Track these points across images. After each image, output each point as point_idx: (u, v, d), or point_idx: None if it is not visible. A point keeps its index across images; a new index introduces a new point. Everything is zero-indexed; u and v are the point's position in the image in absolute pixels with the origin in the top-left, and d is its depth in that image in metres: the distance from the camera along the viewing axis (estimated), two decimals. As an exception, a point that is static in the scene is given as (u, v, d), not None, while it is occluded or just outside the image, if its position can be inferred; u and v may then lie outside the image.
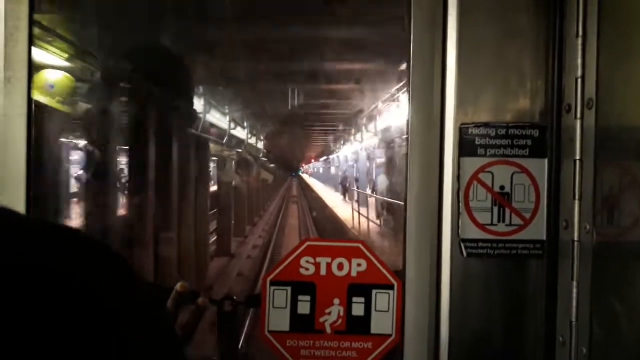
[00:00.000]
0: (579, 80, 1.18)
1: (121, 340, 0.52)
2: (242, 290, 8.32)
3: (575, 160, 1.19)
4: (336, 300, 1.30)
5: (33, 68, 1.39)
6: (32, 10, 1.34)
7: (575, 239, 1.20)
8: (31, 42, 1.36)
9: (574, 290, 1.20)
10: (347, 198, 19.40)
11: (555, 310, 1.26)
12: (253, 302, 1.88)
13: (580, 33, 1.17)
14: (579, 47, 1.18)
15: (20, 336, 0.47)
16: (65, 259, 0.54)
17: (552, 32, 1.25)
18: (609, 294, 1.17)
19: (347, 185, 19.63)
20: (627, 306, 1.16)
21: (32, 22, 1.36)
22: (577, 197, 1.20)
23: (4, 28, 1.32)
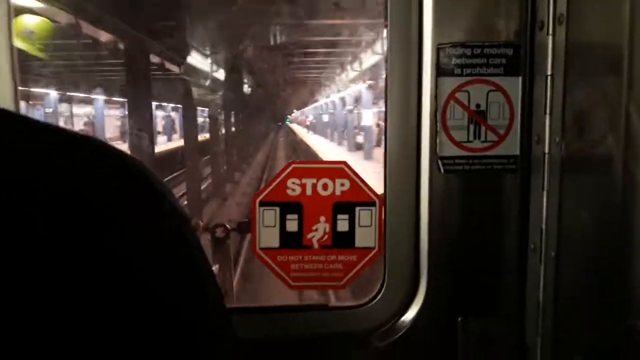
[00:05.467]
0: None
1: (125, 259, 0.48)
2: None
3: (546, 77, 1.25)
4: (322, 218, 1.38)
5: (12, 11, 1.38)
6: None
7: (546, 151, 1.27)
8: None
9: (544, 199, 1.28)
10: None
11: (528, 219, 1.34)
12: (245, 228, 1.97)
13: (553, -51, 1.20)
14: (552, -36, 1.20)
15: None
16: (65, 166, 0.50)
17: None
18: (576, 202, 1.25)
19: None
20: (594, 213, 1.24)
21: None
22: (548, 112, 1.26)
23: None
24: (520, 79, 1.31)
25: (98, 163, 0.53)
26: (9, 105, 1.33)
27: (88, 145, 0.54)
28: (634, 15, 1.11)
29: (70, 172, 0.50)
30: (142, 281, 0.49)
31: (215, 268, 1.99)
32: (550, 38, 1.22)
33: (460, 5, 1.29)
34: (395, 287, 1.39)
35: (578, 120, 1.25)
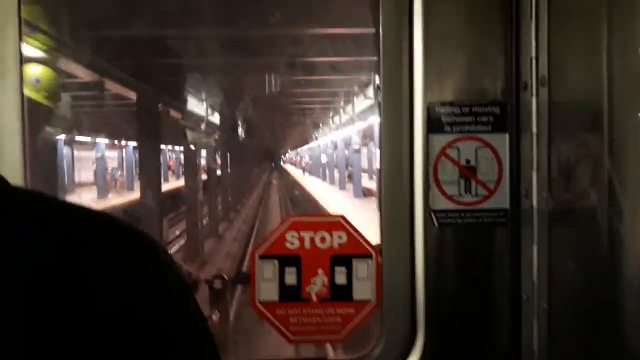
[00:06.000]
0: (534, 60, 1.29)
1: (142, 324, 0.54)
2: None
3: (532, 134, 1.31)
4: (320, 271, 1.41)
5: (23, 63, 1.46)
6: (20, 4, 1.40)
7: (534, 206, 1.32)
8: (21, 37, 1.42)
9: (535, 252, 1.32)
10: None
11: (519, 271, 1.38)
12: (241, 280, 2.00)
13: (534, 15, 1.28)
14: (533, 29, 1.28)
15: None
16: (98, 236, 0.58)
17: (509, 15, 1.35)
18: (564, 254, 1.30)
19: None
20: (581, 265, 1.28)
21: (20, 16, 1.42)
22: (535, 167, 1.31)
23: None
24: (507, 135, 1.37)
25: (105, 236, 0.60)
26: (17, 149, 1.38)
27: (98, 220, 0.62)
28: (611, 76, 1.19)
29: (79, 244, 0.57)
30: (142, 343, 0.55)
31: (215, 316, 2.01)
32: (534, 99, 1.29)
33: (449, 67, 1.37)
34: (393, 340, 1.41)
35: (563, 175, 1.31)
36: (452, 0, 1.37)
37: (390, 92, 1.39)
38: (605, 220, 1.22)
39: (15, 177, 1.39)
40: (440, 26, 1.36)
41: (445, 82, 1.37)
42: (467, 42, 1.36)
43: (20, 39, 1.42)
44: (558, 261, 1.29)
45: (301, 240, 1.42)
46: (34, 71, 3.76)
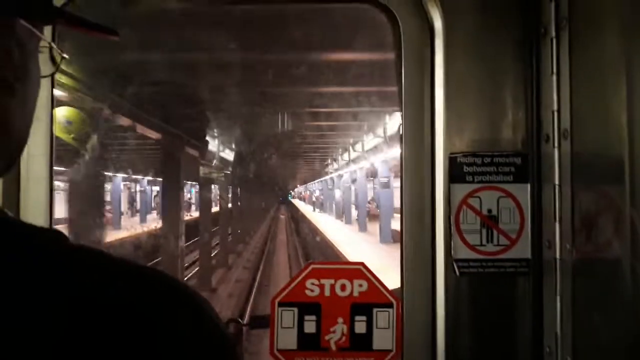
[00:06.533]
0: (555, 113, 1.31)
1: None
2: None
3: (554, 185, 1.32)
4: (340, 319, 1.41)
5: (54, 108, 1.50)
6: (52, 49, 1.44)
7: (558, 257, 1.31)
8: (53, 84, 1.46)
9: (558, 304, 1.31)
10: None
11: (542, 322, 1.36)
12: (257, 324, 1.98)
13: (555, 71, 1.30)
14: (554, 84, 1.30)
15: None
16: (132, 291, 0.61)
17: (530, 70, 1.38)
18: (589, 306, 1.28)
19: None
20: (606, 316, 1.27)
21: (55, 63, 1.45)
22: (557, 219, 1.31)
23: None
24: (529, 185, 1.38)
25: (151, 287, 0.64)
26: (43, 195, 1.40)
27: (144, 273, 0.65)
28: (632, 130, 1.20)
29: (127, 293, 0.61)
30: None
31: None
32: (556, 151, 1.30)
33: (469, 119, 1.39)
34: (413, 391, 1.39)
35: (586, 226, 1.31)
36: (473, 54, 1.39)
37: (412, 142, 1.41)
38: (629, 270, 1.21)
39: (40, 223, 1.41)
40: (461, 79, 1.39)
41: (466, 133, 1.39)
42: (489, 96, 1.39)
43: (53, 85, 1.46)
44: (582, 312, 1.28)
45: (321, 287, 1.42)
46: (65, 113, 3.83)
